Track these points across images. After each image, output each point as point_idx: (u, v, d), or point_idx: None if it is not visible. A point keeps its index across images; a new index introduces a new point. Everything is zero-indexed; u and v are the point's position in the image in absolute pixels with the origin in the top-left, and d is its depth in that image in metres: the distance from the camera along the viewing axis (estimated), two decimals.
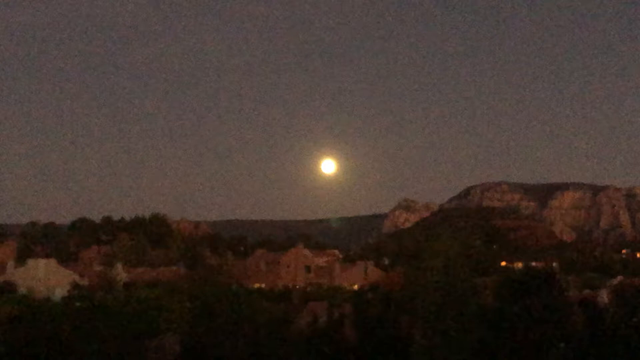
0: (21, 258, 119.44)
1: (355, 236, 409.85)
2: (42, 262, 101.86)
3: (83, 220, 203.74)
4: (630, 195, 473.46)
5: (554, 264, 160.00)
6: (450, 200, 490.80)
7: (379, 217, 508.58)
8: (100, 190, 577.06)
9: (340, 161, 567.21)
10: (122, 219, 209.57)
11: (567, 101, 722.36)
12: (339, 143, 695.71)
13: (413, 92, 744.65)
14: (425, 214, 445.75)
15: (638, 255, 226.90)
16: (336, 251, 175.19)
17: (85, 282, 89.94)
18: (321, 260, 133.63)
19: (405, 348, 37.57)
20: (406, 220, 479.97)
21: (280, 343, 37.56)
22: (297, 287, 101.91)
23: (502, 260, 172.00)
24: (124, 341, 37.80)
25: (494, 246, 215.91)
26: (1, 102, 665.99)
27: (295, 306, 68.05)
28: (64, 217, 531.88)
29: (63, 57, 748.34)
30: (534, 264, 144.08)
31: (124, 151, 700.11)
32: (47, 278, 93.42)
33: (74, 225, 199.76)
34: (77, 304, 48.61)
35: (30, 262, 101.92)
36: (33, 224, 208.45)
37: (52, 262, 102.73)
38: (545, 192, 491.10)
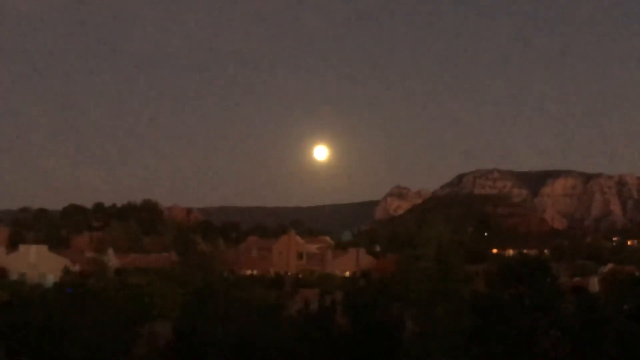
0: (12, 244, 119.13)
1: (347, 223, 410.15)
2: (33, 248, 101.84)
3: (74, 207, 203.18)
4: (621, 183, 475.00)
5: (546, 251, 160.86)
6: (443, 187, 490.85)
7: (371, 204, 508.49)
8: (91, 177, 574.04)
9: (333, 147, 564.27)
10: (114, 206, 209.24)
11: (559, 89, 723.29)
12: (332, 129, 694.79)
13: (405, 79, 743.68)
14: (417, 201, 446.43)
15: (629, 242, 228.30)
16: (328, 238, 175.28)
17: (76, 268, 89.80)
18: (313, 247, 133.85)
19: (397, 335, 37.64)
20: (398, 207, 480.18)
21: (271, 330, 37.53)
22: (289, 273, 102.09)
23: (494, 248, 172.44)
24: (115, 327, 37.69)
25: (486, 233, 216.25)
26: None
27: (287, 293, 68.12)
28: (56, 204, 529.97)
29: (53, 43, 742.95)
30: (525, 251, 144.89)
31: (115, 137, 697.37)
32: (38, 264, 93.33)
33: (65, 212, 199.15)
34: (68, 289, 48.44)
35: (22, 248, 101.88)
36: (24, 210, 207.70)
37: (44, 248, 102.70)
38: (536, 180, 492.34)
